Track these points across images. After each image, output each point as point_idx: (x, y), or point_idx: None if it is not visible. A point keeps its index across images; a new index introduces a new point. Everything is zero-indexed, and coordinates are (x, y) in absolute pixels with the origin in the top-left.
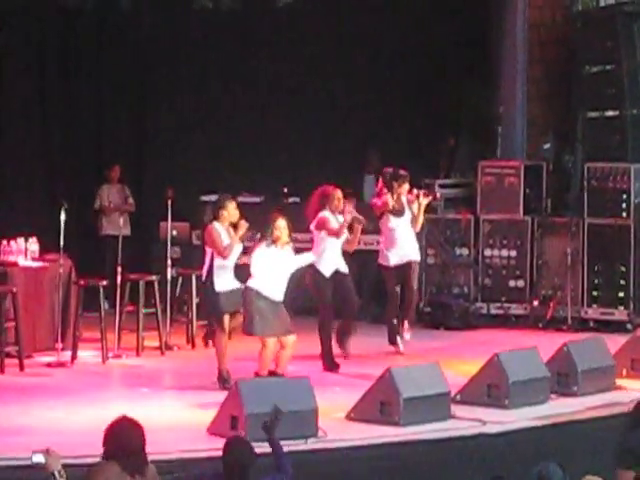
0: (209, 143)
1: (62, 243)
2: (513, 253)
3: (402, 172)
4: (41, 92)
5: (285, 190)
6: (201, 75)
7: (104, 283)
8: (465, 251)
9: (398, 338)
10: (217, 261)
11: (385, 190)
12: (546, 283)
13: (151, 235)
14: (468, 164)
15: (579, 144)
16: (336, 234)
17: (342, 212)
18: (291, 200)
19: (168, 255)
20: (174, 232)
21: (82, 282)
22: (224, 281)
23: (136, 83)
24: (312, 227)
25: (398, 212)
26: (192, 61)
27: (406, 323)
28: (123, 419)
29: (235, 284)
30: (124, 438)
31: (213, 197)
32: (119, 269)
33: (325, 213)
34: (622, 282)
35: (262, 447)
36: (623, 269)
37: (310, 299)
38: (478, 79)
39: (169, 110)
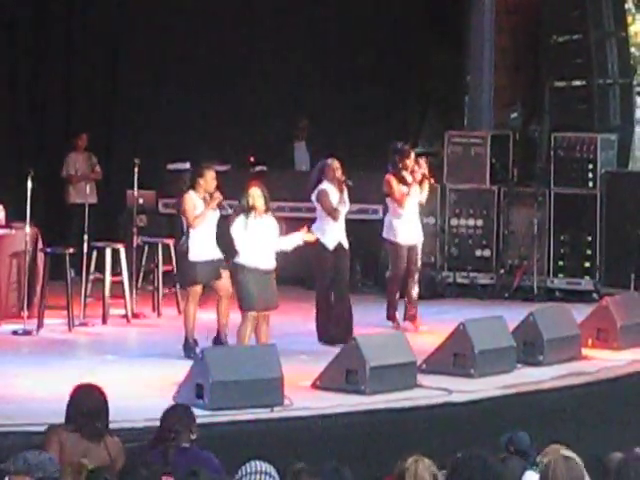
0: (176, 112)
1: (29, 211)
2: (479, 222)
3: (404, 146)
4: (9, 59)
5: (252, 159)
6: (169, 44)
7: (70, 251)
8: (432, 220)
9: (397, 313)
10: (194, 230)
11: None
12: (512, 253)
13: (118, 203)
14: (435, 133)
15: (546, 114)
16: (332, 214)
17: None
18: (258, 169)
19: (134, 223)
20: (140, 200)
21: (48, 250)
22: (201, 251)
23: (105, 51)
24: (313, 198)
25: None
26: (161, 30)
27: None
28: (85, 385)
29: (215, 254)
30: (83, 403)
31: (180, 165)
32: (85, 237)
33: (324, 185)
34: (588, 252)
35: (225, 415)
36: (589, 239)
37: (301, 269)
38: (446, 48)
39: (137, 78)
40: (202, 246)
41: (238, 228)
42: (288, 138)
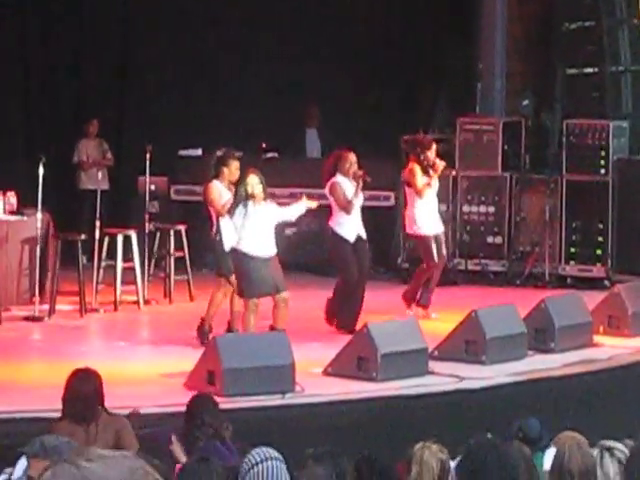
0: (188, 98)
1: (40, 197)
2: (491, 209)
3: (427, 137)
4: (21, 45)
5: (264, 145)
6: (182, 31)
7: (82, 237)
8: (443, 207)
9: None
10: (223, 219)
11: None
12: (524, 240)
13: (129, 190)
14: (447, 120)
15: (558, 101)
16: (345, 208)
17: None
18: (269, 155)
19: (146, 210)
20: (152, 187)
21: (60, 236)
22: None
23: (117, 36)
24: (326, 191)
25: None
26: (173, 17)
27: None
28: (77, 370)
29: None
30: (74, 387)
31: (192, 152)
32: (97, 223)
33: (338, 178)
34: (600, 239)
35: (236, 402)
36: (601, 226)
37: (313, 256)
38: (458, 35)
39: (149, 64)
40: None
41: (238, 215)
42: (299, 125)
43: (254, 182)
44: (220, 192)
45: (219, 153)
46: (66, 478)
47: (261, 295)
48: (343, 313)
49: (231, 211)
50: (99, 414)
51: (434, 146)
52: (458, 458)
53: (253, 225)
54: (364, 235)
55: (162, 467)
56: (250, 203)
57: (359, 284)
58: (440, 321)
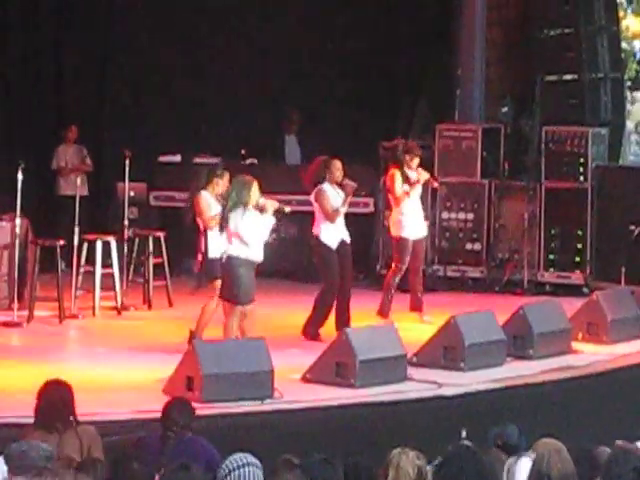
0: (167, 104)
1: (19, 203)
2: (470, 216)
3: (414, 145)
4: (0, 50)
5: (243, 152)
6: (162, 37)
7: (61, 243)
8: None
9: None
10: (210, 231)
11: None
12: (503, 246)
13: (108, 196)
14: (426, 127)
15: (537, 107)
16: (329, 217)
17: (341, 184)
18: (249, 161)
19: (125, 216)
20: (131, 193)
21: (39, 242)
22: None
23: (97, 42)
24: (312, 198)
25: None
26: (154, 23)
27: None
28: (49, 381)
29: None
30: (46, 397)
31: (171, 158)
32: (76, 229)
33: (324, 186)
34: (579, 246)
35: (215, 408)
36: (580, 233)
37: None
38: (437, 42)
39: (129, 71)
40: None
41: (236, 221)
42: (279, 131)
43: (255, 189)
44: (209, 204)
45: (212, 163)
46: None
47: (249, 303)
48: (312, 320)
49: (221, 224)
50: (70, 424)
51: (419, 153)
52: (435, 464)
53: (248, 232)
54: (348, 239)
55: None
56: (248, 208)
57: (342, 290)
58: (419, 327)
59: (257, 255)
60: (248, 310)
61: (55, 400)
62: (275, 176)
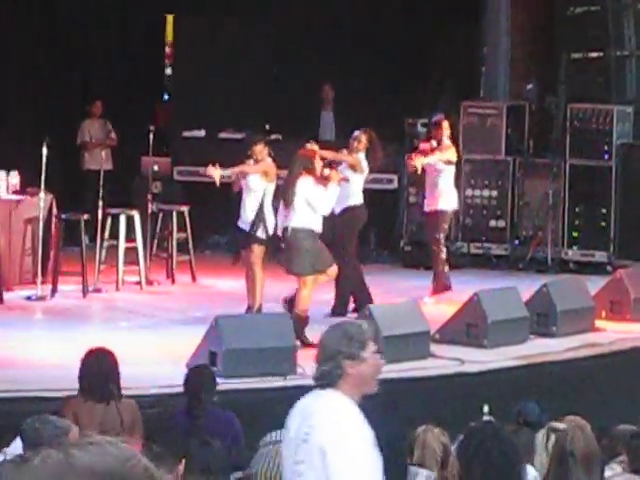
0: (191, 80)
1: (44, 177)
2: (494, 193)
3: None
4: (27, 27)
5: (267, 127)
6: (185, 11)
7: (85, 217)
8: None
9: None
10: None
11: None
12: (527, 224)
13: (133, 170)
14: (451, 104)
15: (562, 85)
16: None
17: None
18: (273, 137)
19: (149, 190)
20: (155, 167)
21: (63, 216)
22: None
23: (121, 17)
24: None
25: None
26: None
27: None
28: (95, 349)
29: None
30: (94, 367)
31: (195, 133)
32: (100, 204)
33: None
34: (603, 224)
35: (237, 383)
36: (604, 211)
37: None
38: (462, 20)
39: (152, 45)
40: None
41: (307, 192)
42: (314, 107)
43: (319, 161)
44: None
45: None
46: (52, 465)
47: (321, 271)
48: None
49: (284, 197)
50: (116, 393)
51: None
52: (458, 440)
53: (323, 201)
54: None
55: (164, 455)
56: (315, 180)
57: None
58: (442, 304)
59: (319, 225)
60: (329, 273)
61: (101, 367)
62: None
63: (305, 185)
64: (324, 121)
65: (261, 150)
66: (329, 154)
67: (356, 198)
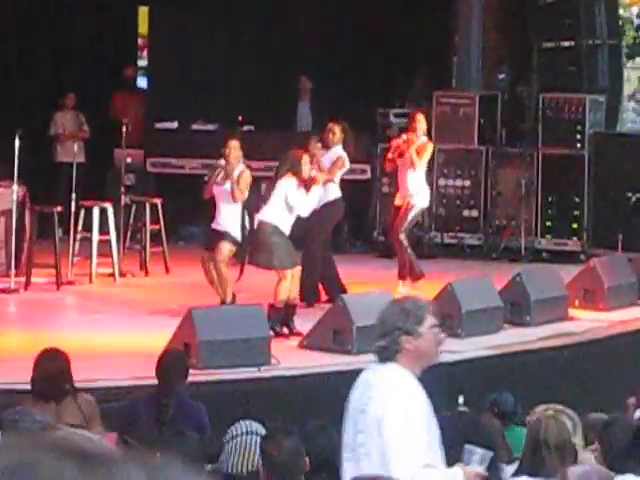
0: (164, 71)
1: (16, 170)
2: (467, 183)
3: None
4: None
5: (240, 118)
6: (159, 4)
7: (58, 209)
8: None
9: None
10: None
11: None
12: (500, 213)
13: (105, 162)
14: (423, 94)
15: (534, 74)
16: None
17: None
18: (246, 128)
19: (122, 182)
20: (128, 159)
21: (36, 208)
22: None
23: (94, 9)
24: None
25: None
26: None
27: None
28: (45, 349)
29: None
30: (42, 366)
31: (168, 124)
32: (73, 196)
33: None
34: (576, 213)
35: (212, 374)
36: (577, 200)
37: None
38: (434, 9)
39: (126, 35)
40: None
41: (284, 189)
42: (291, 98)
43: (306, 162)
44: None
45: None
46: (25, 444)
47: (292, 266)
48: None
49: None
50: (67, 394)
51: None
52: None
53: (290, 203)
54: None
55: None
56: (295, 181)
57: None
58: (416, 293)
59: (288, 226)
60: (294, 272)
61: (51, 369)
62: (271, 143)
63: (287, 184)
64: (301, 112)
65: (236, 146)
66: (322, 177)
67: (335, 192)
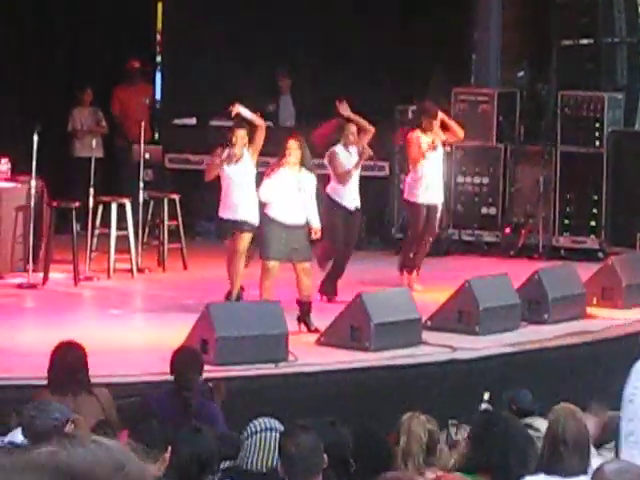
0: (182, 67)
1: (34, 165)
2: (485, 180)
3: (433, 107)
4: (14, 13)
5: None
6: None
7: (76, 205)
8: None
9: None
10: None
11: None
12: (518, 211)
13: (124, 158)
14: (442, 90)
15: (553, 72)
16: (341, 180)
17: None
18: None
19: (140, 178)
20: (147, 155)
21: (54, 204)
22: None
23: (110, 5)
24: (325, 160)
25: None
26: None
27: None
28: (62, 342)
29: None
30: (58, 359)
31: (186, 120)
32: (91, 191)
33: (337, 148)
34: (594, 210)
35: (229, 371)
36: (595, 197)
37: None
38: (453, 5)
39: (144, 33)
40: None
41: (271, 178)
42: (273, 92)
43: (292, 147)
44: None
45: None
46: (39, 460)
47: (277, 259)
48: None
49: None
50: (84, 386)
51: (439, 116)
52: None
53: (280, 190)
54: (359, 204)
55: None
56: (282, 168)
57: (344, 254)
58: (433, 291)
59: (283, 215)
60: (297, 268)
61: (68, 362)
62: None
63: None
64: (283, 107)
65: (243, 136)
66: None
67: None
